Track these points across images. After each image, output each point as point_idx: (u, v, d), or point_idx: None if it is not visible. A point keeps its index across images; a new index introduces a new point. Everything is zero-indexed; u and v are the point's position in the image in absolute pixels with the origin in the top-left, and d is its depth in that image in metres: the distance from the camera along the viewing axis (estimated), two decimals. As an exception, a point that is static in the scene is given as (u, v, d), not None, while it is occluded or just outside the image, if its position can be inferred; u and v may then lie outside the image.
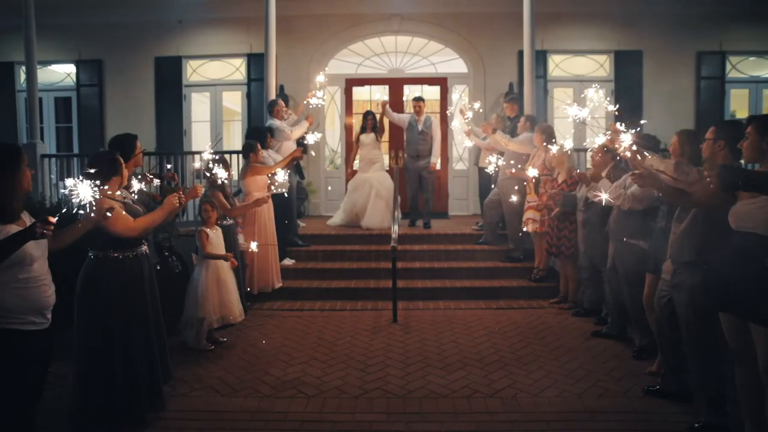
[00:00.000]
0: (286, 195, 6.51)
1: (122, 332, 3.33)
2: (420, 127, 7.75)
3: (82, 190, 2.65)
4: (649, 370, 4.15)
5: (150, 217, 3.46)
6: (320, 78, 7.14)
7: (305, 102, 7.20)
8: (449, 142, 9.30)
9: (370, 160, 7.97)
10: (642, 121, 3.52)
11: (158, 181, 4.82)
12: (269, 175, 5.81)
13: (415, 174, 7.75)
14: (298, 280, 6.51)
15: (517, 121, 7.12)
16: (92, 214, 2.76)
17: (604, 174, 4.78)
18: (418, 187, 7.79)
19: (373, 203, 7.72)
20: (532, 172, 5.81)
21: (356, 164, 8.23)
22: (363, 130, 8.06)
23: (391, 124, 9.43)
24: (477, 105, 7.39)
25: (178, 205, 3.46)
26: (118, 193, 3.40)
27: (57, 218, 2.50)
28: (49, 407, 3.48)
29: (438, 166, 7.97)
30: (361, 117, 9.67)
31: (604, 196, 4.45)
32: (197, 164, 4.54)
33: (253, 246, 5.10)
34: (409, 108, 9.57)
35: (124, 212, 3.30)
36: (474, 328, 5.30)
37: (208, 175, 5.03)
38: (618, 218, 4.51)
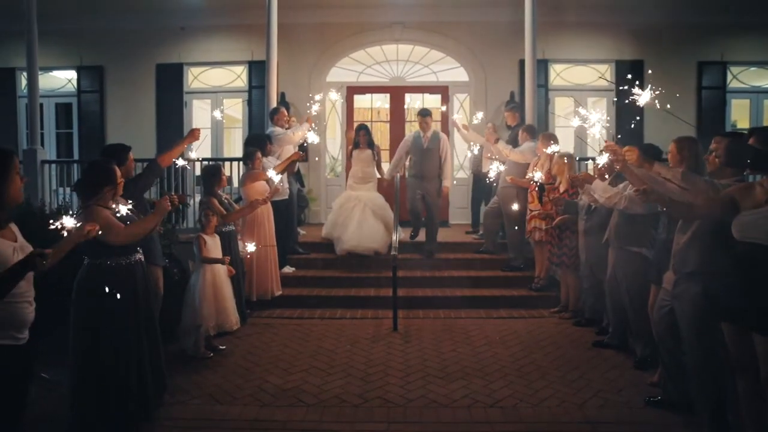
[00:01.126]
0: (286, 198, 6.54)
1: (114, 340, 3.32)
2: (426, 144, 7.09)
3: (67, 223, 2.65)
4: (650, 381, 4.14)
5: (142, 222, 3.46)
6: (333, 96, 7.41)
7: (309, 111, 7.26)
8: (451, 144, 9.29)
9: (362, 178, 7.40)
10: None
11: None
12: (268, 180, 5.85)
13: (419, 192, 7.08)
14: (297, 288, 6.51)
15: (518, 129, 7.17)
16: (75, 231, 2.72)
17: (606, 183, 4.80)
18: (421, 206, 7.12)
19: (358, 221, 7.00)
20: (538, 175, 5.85)
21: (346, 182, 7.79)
22: (356, 145, 7.50)
23: (391, 131, 9.49)
24: (480, 114, 7.37)
25: (169, 208, 3.47)
26: (112, 203, 3.40)
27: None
28: (45, 414, 3.49)
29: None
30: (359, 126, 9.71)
31: (597, 196, 4.49)
32: (180, 162, 4.64)
33: (250, 248, 5.11)
34: (410, 117, 9.62)
35: (114, 218, 3.29)
36: (474, 337, 5.30)
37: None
38: (618, 226, 4.53)
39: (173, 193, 3.61)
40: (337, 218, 7.23)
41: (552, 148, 5.75)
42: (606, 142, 3.81)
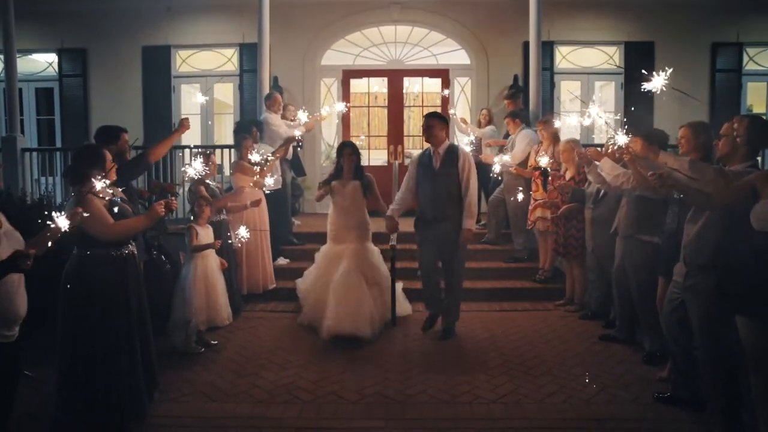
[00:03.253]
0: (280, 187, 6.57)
1: (103, 335, 3.30)
2: (437, 165, 4.98)
3: (60, 223, 2.67)
4: (659, 376, 4.17)
5: (131, 223, 3.42)
6: (340, 107, 7.45)
7: (315, 115, 7.34)
8: (451, 137, 9.30)
9: (349, 223, 5.33)
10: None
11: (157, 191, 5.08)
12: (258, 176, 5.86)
13: (432, 244, 5.02)
14: (292, 281, 6.50)
15: None
16: (62, 219, 2.74)
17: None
18: (434, 261, 5.10)
19: (345, 295, 5.03)
20: (544, 160, 5.86)
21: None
22: (338, 173, 5.38)
23: (389, 117, 9.45)
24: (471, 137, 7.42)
25: (162, 214, 3.43)
26: (108, 189, 3.39)
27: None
28: (30, 414, 3.49)
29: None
30: (358, 114, 9.62)
31: (605, 174, 4.53)
32: (190, 172, 4.70)
33: (242, 232, 5.12)
34: (409, 101, 9.61)
35: (104, 211, 3.27)
36: (476, 331, 5.32)
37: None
38: (628, 213, 4.54)
39: (172, 198, 3.57)
40: (314, 290, 5.39)
41: (556, 124, 5.79)
42: (607, 145, 3.84)
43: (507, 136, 7.62)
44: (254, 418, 3.66)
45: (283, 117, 7.32)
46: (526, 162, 6.58)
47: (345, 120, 9.40)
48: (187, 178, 4.97)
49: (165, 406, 3.78)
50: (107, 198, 3.37)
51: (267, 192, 5.88)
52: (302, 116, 6.94)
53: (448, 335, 5.09)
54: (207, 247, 4.83)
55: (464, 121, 8.10)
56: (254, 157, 5.82)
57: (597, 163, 4.74)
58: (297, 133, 6.80)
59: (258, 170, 5.66)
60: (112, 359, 3.34)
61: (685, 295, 3.48)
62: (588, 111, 4.09)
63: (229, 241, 5.43)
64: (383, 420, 3.63)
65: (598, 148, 5.16)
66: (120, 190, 3.73)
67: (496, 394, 3.98)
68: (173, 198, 3.53)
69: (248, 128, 6.57)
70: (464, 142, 8.11)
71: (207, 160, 5.34)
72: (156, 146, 4.86)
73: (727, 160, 3.35)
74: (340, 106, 7.61)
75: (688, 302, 3.47)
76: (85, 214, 2.91)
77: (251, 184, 5.64)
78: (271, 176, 5.83)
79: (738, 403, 3.30)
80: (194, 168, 4.72)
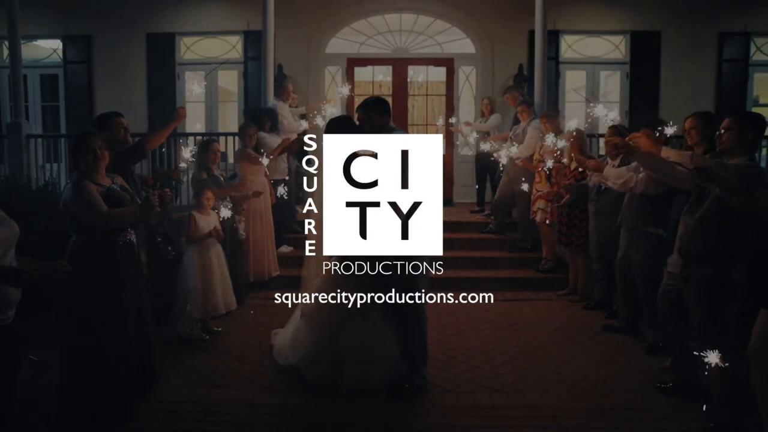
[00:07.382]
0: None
1: (96, 323, 3.25)
2: None
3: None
4: (662, 367, 4.15)
5: (125, 212, 3.35)
6: (345, 91, 7.30)
7: (315, 111, 7.29)
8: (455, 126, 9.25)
9: None
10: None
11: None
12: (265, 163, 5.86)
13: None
14: (296, 268, 6.47)
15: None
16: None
17: (616, 162, 4.80)
18: None
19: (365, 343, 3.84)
20: (550, 162, 5.83)
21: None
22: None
23: (393, 106, 9.36)
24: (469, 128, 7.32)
25: (156, 204, 3.34)
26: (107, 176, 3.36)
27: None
28: (35, 397, 3.51)
29: None
30: (363, 99, 9.56)
31: (611, 183, 4.51)
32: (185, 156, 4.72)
33: (224, 212, 5.11)
34: (414, 90, 9.55)
35: (98, 198, 3.22)
36: (479, 320, 5.32)
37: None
38: (631, 206, 4.51)
39: (167, 189, 3.54)
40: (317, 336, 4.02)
41: (549, 138, 5.72)
42: (608, 138, 3.80)
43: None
44: (257, 405, 3.67)
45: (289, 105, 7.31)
46: (532, 155, 6.53)
47: (349, 108, 9.33)
48: (183, 169, 4.95)
49: (168, 392, 3.79)
50: (106, 185, 3.35)
51: (278, 180, 5.88)
52: (304, 123, 6.93)
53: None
54: (205, 237, 4.81)
55: (468, 124, 8.01)
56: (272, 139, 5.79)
57: (599, 173, 4.75)
58: (304, 123, 6.79)
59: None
60: (107, 347, 3.27)
61: (683, 285, 3.46)
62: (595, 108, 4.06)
63: (241, 233, 5.45)
64: (385, 408, 3.63)
65: (600, 158, 5.15)
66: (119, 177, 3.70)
67: (499, 383, 3.98)
68: (168, 191, 3.49)
69: (260, 117, 6.55)
70: (472, 139, 8.15)
71: (208, 148, 5.32)
72: (153, 135, 4.86)
73: (728, 154, 3.30)
74: (345, 90, 7.55)
75: (686, 293, 3.45)
76: (81, 201, 2.90)
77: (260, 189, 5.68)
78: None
79: (738, 393, 3.29)
80: (184, 158, 4.75)
